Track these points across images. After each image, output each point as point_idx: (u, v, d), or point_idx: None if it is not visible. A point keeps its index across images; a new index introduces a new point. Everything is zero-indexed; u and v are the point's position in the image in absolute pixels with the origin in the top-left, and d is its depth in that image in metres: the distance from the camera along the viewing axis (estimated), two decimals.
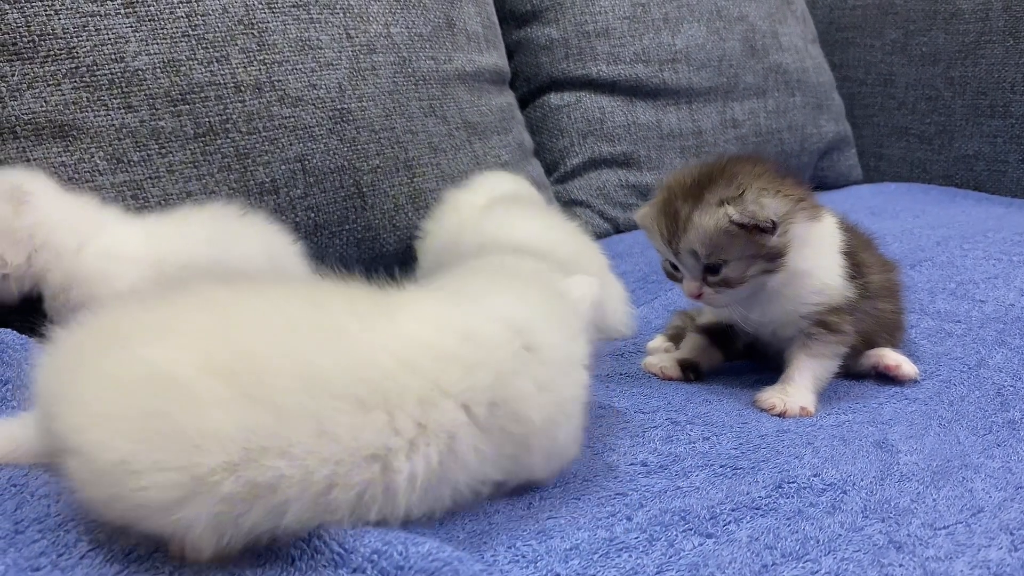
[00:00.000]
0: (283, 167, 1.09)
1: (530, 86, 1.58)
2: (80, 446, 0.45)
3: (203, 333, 0.48)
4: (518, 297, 0.58)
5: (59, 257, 0.87)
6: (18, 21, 0.95)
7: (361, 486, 0.48)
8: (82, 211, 0.90)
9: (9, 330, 0.82)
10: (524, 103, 1.57)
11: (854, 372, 0.84)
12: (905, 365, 0.82)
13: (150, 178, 1.01)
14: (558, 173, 1.56)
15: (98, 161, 0.98)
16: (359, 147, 1.15)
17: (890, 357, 0.83)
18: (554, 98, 1.56)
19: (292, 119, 1.09)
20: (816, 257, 0.77)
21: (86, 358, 0.48)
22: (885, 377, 0.83)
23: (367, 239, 1.18)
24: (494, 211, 1.08)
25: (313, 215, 1.12)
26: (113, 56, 0.99)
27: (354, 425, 0.47)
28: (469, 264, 0.66)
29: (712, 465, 0.64)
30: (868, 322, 0.81)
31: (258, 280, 0.59)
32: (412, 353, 0.50)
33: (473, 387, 0.51)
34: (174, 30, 1.02)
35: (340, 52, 1.15)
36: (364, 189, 1.16)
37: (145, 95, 1.00)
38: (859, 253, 0.81)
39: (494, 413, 0.52)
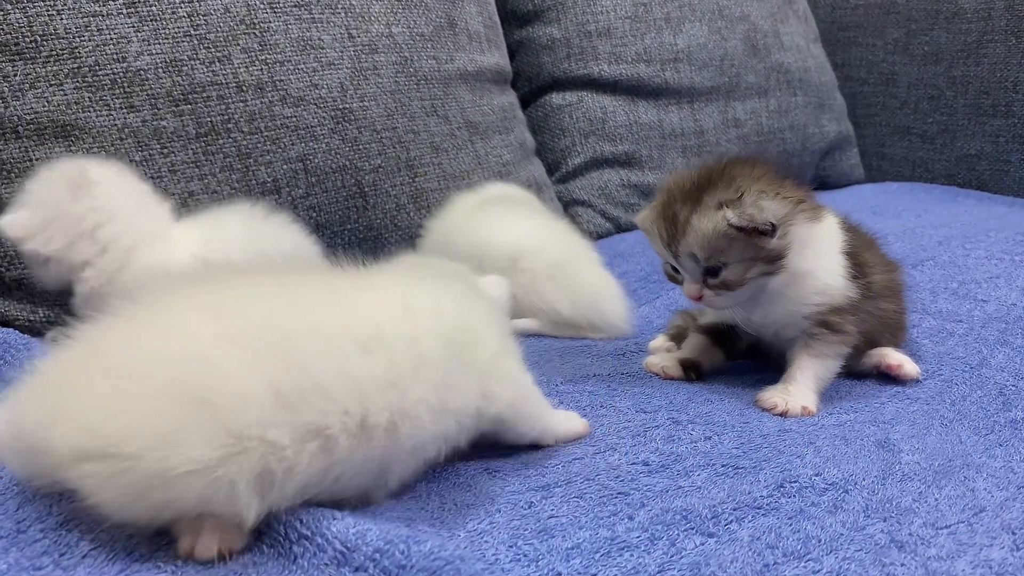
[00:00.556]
0: (285, 167, 1.09)
1: (532, 86, 1.58)
2: (107, 440, 0.45)
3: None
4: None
5: (104, 253, 0.83)
6: (20, 21, 0.95)
7: (388, 412, 0.52)
8: (144, 213, 0.86)
9: (11, 330, 0.82)
10: (526, 103, 1.57)
11: (856, 371, 0.84)
12: (907, 365, 0.82)
13: (152, 178, 1.01)
14: (560, 173, 1.55)
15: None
16: (361, 147, 1.16)
17: (892, 357, 0.83)
18: (556, 98, 1.56)
19: (294, 119, 1.09)
20: (818, 258, 0.76)
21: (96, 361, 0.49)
22: (887, 376, 0.83)
23: (369, 238, 1.18)
24: (486, 211, 1.09)
25: (315, 215, 1.12)
26: (115, 56, 0.99)
27: (368, 364, 0.52)
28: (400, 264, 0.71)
29: (714, 464, 0.64)
30: (871, 322, 0.81)
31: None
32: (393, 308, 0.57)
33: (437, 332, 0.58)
34: (176, 30, 1.03)
35: (342, 52, 1.15)
36: (366, 189, 1.16)
37: (147, 95, 1.00)
38: (861, 253, 0.81)
39: (452, 347, 0.58)
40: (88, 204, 0.81)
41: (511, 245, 1.02)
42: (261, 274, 0.58)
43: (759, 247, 0.73)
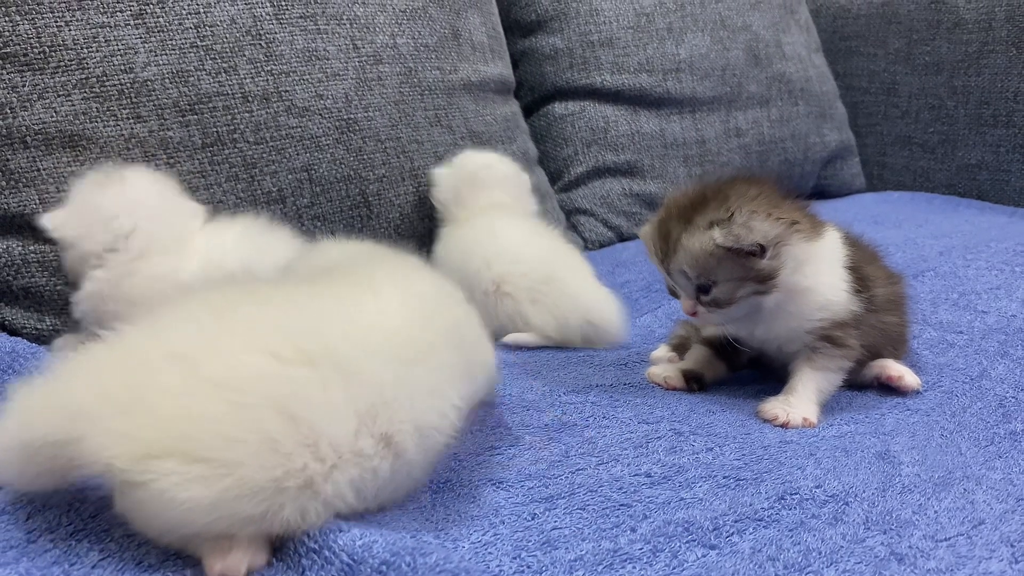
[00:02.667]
0: (290, 176, 1.10)
1: (535, 95, 1.59)
2: (201, 444, 0.47)
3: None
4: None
5: (115, 250, 0.86)
6: (29, 32, 0.96)
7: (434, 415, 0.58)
8: (165, 223, 0.89)
9: (19, 339, 0.83)
10: (529, 112, 1.58)
11: (857, 383, 0.84)
12: (908, 376, 0.83)
13: None
14: (562, 182, 1.56)
15: None
16: (365, 157, 1.16)
17: (893, 368, 0.83)
18: (558, 107, 1.57)
19: (299, 129, 1.10)
20: (818, 274, 0.77)
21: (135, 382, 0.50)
22: (887, 388, 0.84)
23: None
24: (479, 220, 1.09)
25: (320, 224, 1.12)
26: (122, 67, 1.00)
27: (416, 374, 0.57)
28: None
29: (715, 476, 0.65)
30: (873, 335, 0.81)
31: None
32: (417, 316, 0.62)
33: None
34: (183, 41, 1.04)
35: (347, 63, 1.16)
36: (370, 198, 1.17)
37: (154, 105, 1.01)
38: (864, 267, 0.81)
39: (456, 346, 0.64)
40: (111, 195, 0.86)
41: (492, 271, 1.02)
42: (302, 288, 0.62)
43: (748, 267, 0.74)
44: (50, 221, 0.86)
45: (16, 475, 0.52)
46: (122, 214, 0.86)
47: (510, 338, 1.00)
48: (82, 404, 0.48)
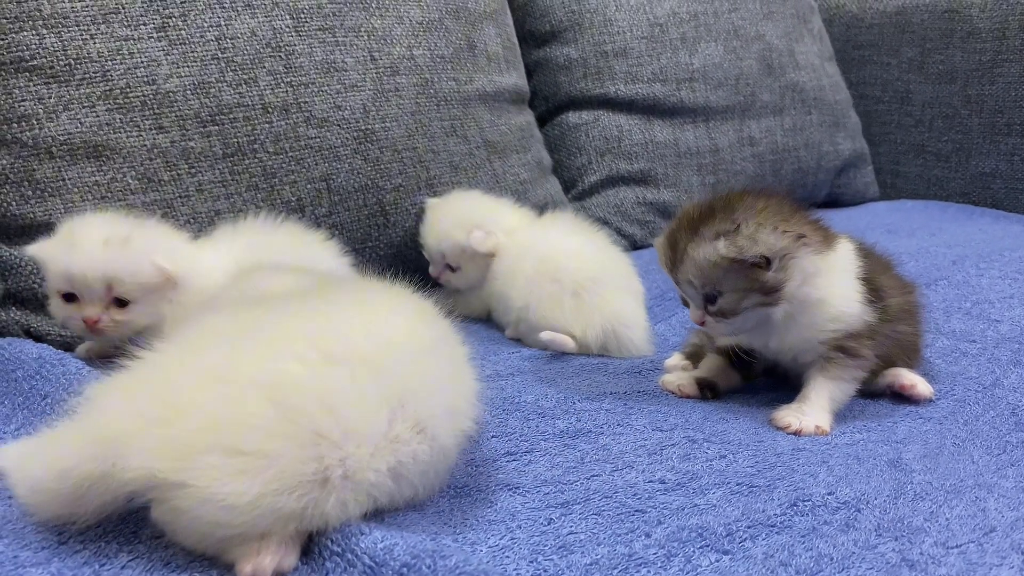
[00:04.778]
0: (309, 186, 1.12)
1: (549, 105, 1.60)
2: (204, 460, 0.48)
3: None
4: None
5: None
6: (55, 45, 0.98)
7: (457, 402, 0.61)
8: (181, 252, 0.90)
9: (46, 345, 0.84)
10: (543, 121, 1.59)
11: (869, 391, 0.85)
12: (920, 385, 0.83)
13: (180, 197, 1.04)
14: (576, 190, 1.57)
15: (130, 180, 1.01)
16: (382, 166, 1.18)
17: (905, 377, 0.84)
18: (572, 116, 1.58)
19: (318, 139, 1.12)
20: (831, 286, 0.78)
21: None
22: (900, 396, 0.84)
23: (389, 255, 1.21)
24: (529, 231, 1.11)
25: (337, 233, 1.14)
26: (145, 79, 1.02)
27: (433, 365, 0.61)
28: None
29: (728, 483, 0.66)
30: (887, 345, 0.82)
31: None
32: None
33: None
34: (204, 53, 1.06)
35: (364, 74, 1.17)
36: (387, 207, 1.19)
37: (176, 116, 1.03)
38: (877, 277, 0.82)
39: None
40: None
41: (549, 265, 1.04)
42: (312, 300, 0.64)
43: (753, 278, 0.75)
44: None
45: (59, 509, 0.52)
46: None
47: (546, 335, 1.00)
48: (119, 430, 0.50)
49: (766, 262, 0.74)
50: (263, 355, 0.53)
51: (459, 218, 1.13)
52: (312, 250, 1.00)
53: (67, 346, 0.95)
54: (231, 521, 0.48)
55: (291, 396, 0.51)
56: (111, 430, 0.50)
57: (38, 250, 0.85)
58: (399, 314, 0.62)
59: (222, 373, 0.52)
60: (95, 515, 0.52)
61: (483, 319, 1.15)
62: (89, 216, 0.88)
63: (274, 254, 0.92)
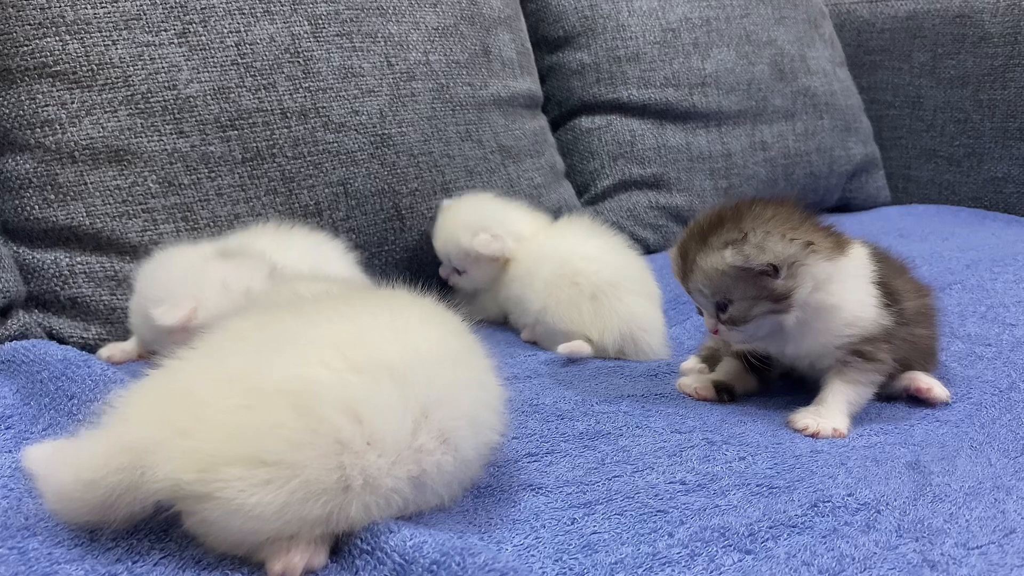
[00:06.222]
0: (326, 190, 1.13)
1: (562, 109, 1.61)
2: (228, 472, 0.49)
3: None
4: None
5: None
6: (78, 51, 0.99)
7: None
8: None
9: (70, 347, 0.85)
10: (556, 126, 1.60)
11: (886, 394, 0.85)
12: (936, 388, 0.84)
13: (200, 201, 1.05)
14: (589, 195, 1.58)
15: (151, 184, 1.02)
16: (399, 171, 1.19)
17: (922, 380, 0.84)
18: (585, 121, 1.59)
19: (335, 144, 1.13)
20: (844, 291, 0.78)
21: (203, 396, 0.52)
22: (917, 399, 0.85)
23: (405, 259, 1.22)
24: (545, 235, 1.12)
25: (354, 236, 1.15)
26: (166, 84, 1.03)
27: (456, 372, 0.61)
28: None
29: (749, 484, 0.66)
30: (904, 348, 0.82)
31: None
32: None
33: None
34: (224, 59, 1.07)
35: (381, 79, 1.18)
36: (403, 211, 1.20)
37: (196, 121, 1.05)
38: (892, 281, 0.82)
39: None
40: None
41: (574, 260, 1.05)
42: (337, 307, 0.64)
43: (762, 286, 0.76)
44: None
45: (87, 516, 0.52)
46: None
47: (563, 348, 1.00)
48: (145, 440, 0.50)
49: (774, 270, 0.75)
50: (289, 362, 0.54)
51: (467, 221, 1.13)
52: (320, 249, 1.01)
53: (88, 348, 0.96)
54: (259, 529, 0.49)
55: (316, 405, 0.51)
56: (137, 440, 0.50)
57: None
58: (426, 324, 0.62)
59: (247, 380, 0.52)
60: (123, 522, 0.53)
61: (499, 322, 1.16)
62: None
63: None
